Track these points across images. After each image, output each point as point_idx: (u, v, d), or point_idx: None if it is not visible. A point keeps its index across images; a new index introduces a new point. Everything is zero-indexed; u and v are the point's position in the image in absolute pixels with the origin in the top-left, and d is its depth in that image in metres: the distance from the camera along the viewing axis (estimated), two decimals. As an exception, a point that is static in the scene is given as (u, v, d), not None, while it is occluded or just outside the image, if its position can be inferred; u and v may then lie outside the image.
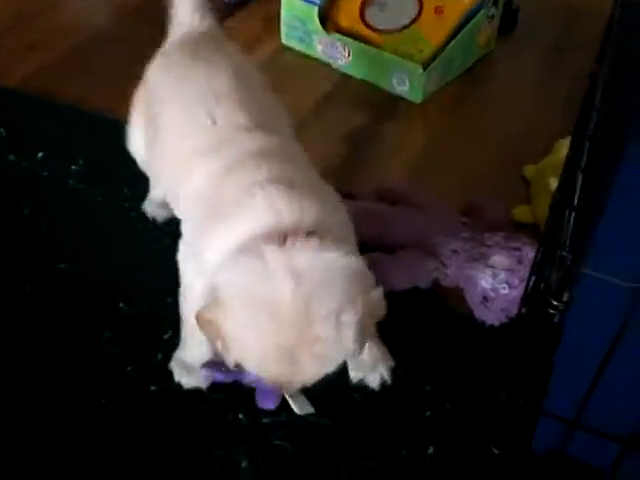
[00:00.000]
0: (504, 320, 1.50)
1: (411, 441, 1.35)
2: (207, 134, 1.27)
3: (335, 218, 1.20)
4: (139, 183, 1.67)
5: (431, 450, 1.34)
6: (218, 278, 1.10)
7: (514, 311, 1.46)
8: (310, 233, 1.10)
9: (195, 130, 1.28)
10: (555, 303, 0.97)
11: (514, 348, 1.25)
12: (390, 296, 1.34)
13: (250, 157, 1.21)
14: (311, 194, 1.17)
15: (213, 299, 1.09)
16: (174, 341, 1.43)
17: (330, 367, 1.09)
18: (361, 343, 1.09)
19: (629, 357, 1.05)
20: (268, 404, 1.35)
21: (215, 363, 1.36)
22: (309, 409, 1.35)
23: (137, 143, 1.53)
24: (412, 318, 1.54)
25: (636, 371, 1.09)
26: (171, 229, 1.58)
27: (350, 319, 1.05)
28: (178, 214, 1.36)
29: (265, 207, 1.13)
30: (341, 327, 1.05)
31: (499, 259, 1.48)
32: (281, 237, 1.08)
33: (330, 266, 1.07)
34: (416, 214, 1.65)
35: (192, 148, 1.27)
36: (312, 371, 1.08)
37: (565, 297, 0.96)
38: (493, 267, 1.49)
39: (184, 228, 1.32)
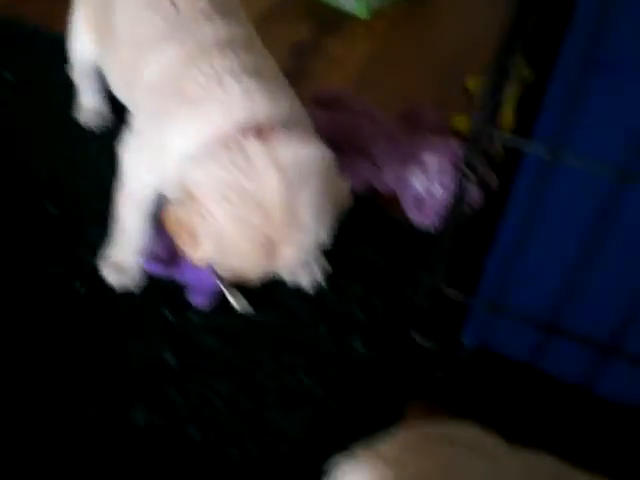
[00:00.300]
0: (438, 225, 1.48)
1: (340, 337, 1.34)
2: (167, 18, 1.21)
3: (301, 111, 1.18)
4: (72, 91, 1.62)
5: (359, 347, 1.33)
6: (193, 173, 1.07)
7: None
8: (283, 127, 1.09)
9: (154, 14, 1.22)
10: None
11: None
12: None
13: (216, 45, 1.16)
14: (280, 87, 1.15)
15: (186, 195, 1.07)
16: (101, 240, 1.39)
17: (305, 257, 1.11)
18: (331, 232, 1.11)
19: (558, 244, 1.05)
20: (201, 301, 1.33)
21: (154, 256, 1.33)
22: (248, 308, 1.33)
23: (83, 44, 1.47)
24: (347, 223, 1.51)
25: (562, 256, 1.09)
26: (103, 136, 1.56)
27: (328, 209, 1.08)
28: (131, 106, 1.31)
29: (240, 98, 1.10)
30: (320, 217, 1.07)
31: (431, 160, 1.46)
32: (257, 131, 1.07)
33: (310, 159, 1.08)
34: (354, 120, 1.62)
35: (151, 33, 1.21)
36: (291, 261, 1.09)
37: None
38: (426, 169, 1.47)
39: (137, 120, 1.26)
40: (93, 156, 1.55)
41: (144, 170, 1.22)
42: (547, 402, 1.21)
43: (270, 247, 1.05)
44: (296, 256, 1.08)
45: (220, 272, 1.15)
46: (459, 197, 1.03)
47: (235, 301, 1.32)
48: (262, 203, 1.03)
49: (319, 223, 1.07)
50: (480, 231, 1.32)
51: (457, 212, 1.05)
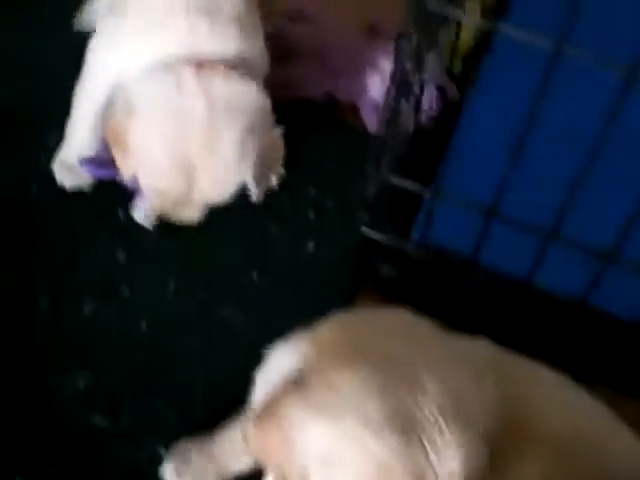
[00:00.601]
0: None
1: (292, 238, 1.35)
2: None
3: (255, 50, 1.20)
4: None
5: (311, 246, 1.34)
6: (134, 90, 1.11)
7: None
8: (227, 65, 1.12)
9: None
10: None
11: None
12: (279, 108, 1.34)
13: None
14: (235, 25, 1.16)
15: (126, 110, 1.11)
16: (57, 145, 1.39)
17: (224, 193, 1.14)
18: (258, 175, 1.15)
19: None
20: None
21: (95, 160, 1.33)
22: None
23: None
24: (305, 131, 1.52)
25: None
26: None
27: (251, 148, 1.10)
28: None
29: (186, 33, 1.13)
30: (242, 154, 1.10)
31: (389, 65, 1.45)
32: (198, 64, 1.11)
33: (241, 98, 1.11)
34: (317, 31, 1.61)
35: None
36: (208, 193, 1.12)
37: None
38: (384, 76, 1.47)
39: (109, 20, 1.27)
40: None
41: (103, 67, 1.23)
42: (491, 294, 1.22)
43: (189, 172, 1.09)
44: (213, 189, 1.12)
45: (144, 190, 1.16)
46: (397, 85, 1.04)
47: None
48: (187, 126, 1.08)
49: (241, 162, 1.11)
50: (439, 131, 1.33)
51: (396, 103, 1.06)
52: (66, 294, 1.25)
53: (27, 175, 1.38)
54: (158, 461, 1.10)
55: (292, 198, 1.40)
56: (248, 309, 1.24)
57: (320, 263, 1.31)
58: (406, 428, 0.73)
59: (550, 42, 0.91)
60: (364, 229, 1.23)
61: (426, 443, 0.73)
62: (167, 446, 1.11)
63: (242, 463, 1.08)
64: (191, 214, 1.16)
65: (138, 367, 1.19)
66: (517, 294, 1.21)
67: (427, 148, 1.33)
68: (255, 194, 1.24)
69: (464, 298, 1.24)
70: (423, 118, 1.46)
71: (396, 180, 1.14)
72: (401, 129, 1.22)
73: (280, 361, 0.87)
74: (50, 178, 1.36)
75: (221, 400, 1.15)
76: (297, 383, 0.79)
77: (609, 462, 0.93)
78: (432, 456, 0.73)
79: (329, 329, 0.87)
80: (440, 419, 0.74)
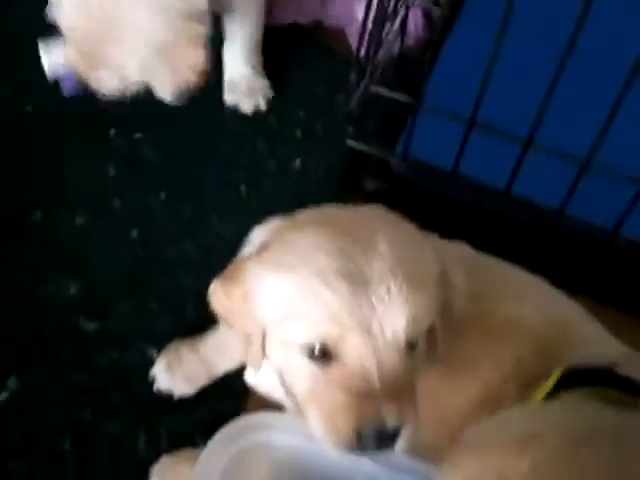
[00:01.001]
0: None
1: (280, 156, 1.38)
2: None
3: None
4: None
5: (298, 163, 1.37)
6: None
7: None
8: None
9: None
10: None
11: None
12: (268, 33, 1.36)
13: None
14: None
15: None
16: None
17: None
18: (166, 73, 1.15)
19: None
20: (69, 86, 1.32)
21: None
22: None
23: None
24: (294, 56, 1.54)
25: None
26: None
27: (161, 60, 1.13)
28: None
29: None
30: (146, 62, 1.13)
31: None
32: None
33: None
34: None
35: None
36: (105, 82, 1.14)
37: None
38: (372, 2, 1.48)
39: None
40: None
41: None
42: (472, 205, 1.25)
43: (94, 55, 1.12)
44: (111, 81, 1.14)
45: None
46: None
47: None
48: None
49: (142, 65, 1.13)
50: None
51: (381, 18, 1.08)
52: (59, 207, 1.28)
53: (20, 92, 1.40)
54: (148, 362, 1.14)
55: (281, 119, 1.43)
56: (236, 220, 1.27)
57: (307, 179, 1.34)
58: (356, 281, 0.76)
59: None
60: (349, 141, 1.25)
61: (374, 298, 0.76)
62: (157, 349, 1.14)
63: (229, 363, 1.12)
64: (109, 83, 1.17)
65: (128, 275, 1.22)
66: (497, 205, 1.24)
67: (413, 68, 1.36)
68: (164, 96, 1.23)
69: (446, 209, 1.27)
70: (410, 40, 1.49)
71: (378, 89, 1.17)
72: (385, 45, 1.24)
73: (257, 238, 0.89)
74: (44, 98, 1.38)
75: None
76: (260, 249, 0.83)
77: (580, 349, 0.97)
78: (379, 310, 0.76)
79: (306, 214, 0.90)
80: (390, 277, 0.77)
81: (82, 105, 1.36)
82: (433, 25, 1.48)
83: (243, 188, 1.33)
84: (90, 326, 1.17)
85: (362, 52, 1.26)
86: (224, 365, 1.12)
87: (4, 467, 1.05)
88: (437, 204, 1.29)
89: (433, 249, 0.86)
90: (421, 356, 0.83)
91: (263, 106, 1.43)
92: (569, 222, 1.22)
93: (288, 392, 0.85)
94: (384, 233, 0.81)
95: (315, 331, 0.77)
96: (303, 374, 0.80)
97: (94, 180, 1.32)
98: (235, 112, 1.42)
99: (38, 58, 1.33)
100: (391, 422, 0.77)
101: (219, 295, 0.85)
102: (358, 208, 0.94)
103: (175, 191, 1.31)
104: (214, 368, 1.12)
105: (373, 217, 0.87)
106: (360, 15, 1.44)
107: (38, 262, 1.23)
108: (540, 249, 1.25)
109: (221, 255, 1.21)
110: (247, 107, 1.42)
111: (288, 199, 1.31)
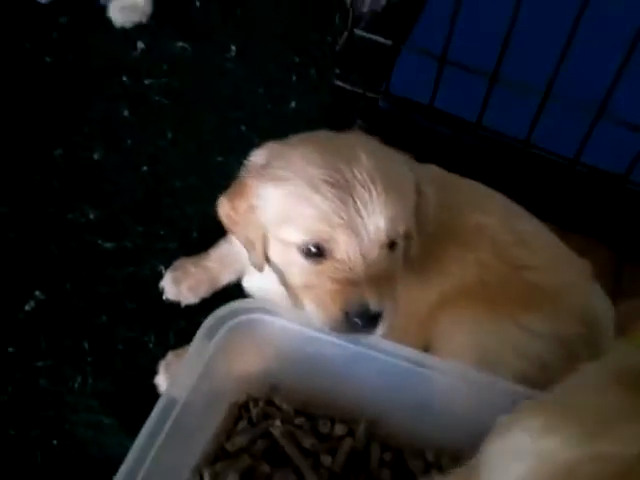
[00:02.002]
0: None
1: (276, 98, 1.51)
2: None
3: None
4: None
5: (293, 105, 1.51)
6: None
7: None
8: None
9: None
10: None
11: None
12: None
13: None
14: None
15: None
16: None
17: None
18: None
19: None
20: None
21: None
22: None
23: None
24: (293, 5, 1.67)
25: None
26: None
27: None
28: None
29: None
30: None
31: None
32: None
33: None
34: None
35: None
36: None
37: None
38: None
39: None
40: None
41: None
42: (448, 137, 1.38)
43: None
44: None
45: None
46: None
47: None
48: None
49: None
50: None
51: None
52: (78, 145, 1.43)
53: (40, 46, 1.55)
54: (158, 277, 1.29)
55: (277, 64, 1.57)
56: (238, 156, 1.41)
57: (300, 118, 1.48)
58: (342, 187, 0.91)
59: None
60: (337, 81, 1.39)
61: (358, 201, 0.90)
62: (166, 265, 1.29)
63: (229, 276, 1.26)
64: None
65: (141, 202, 1.37)
66: (470, 136, 1.36)
67: (399, 14, 1.47)
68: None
69: (427, 141, 1.40)
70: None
71: (362, 33, 1.30)
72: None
73: (254, 159, 1.03)
74: (61, 48, 1.53)
75: (213, 229, 1.32)
76: (260, 167, 0.97)
77: (536, 259, 1.10)
78: (362, 212, 0.90)
79: (297, 137, 1.04)
80: (371, 184, 0.91)
81: (96, 55, 1.51)
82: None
83: (243, 127, 1.47)
84: (108, 245, 1.32)
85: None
86: (225, 277, 1.26)
87: (32, 365, 1.21)
88: (419, 137, 1.42)
89: (408, 165, 1.00)
90: (400, 255, 0.98)
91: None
92: (535, 151, 1.34)
93: (286, 285, 0.99)
94: (364, 148, 0.95)
95: (309, 231, 0.91)
96: (299, 269, 0.95)
97: (109, 121, 1.46)
98: (236, 58, 1.55)
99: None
100: (373, 305, 0.91)
101: (226, 208, 1.00)
102: (341, 133, 1.07)
103: (181, 131, 1.45)
104: (216, 280, 1.26)
105: (354, 138, 1.01)
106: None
107: (61, 192, 1.38)
108: (509, 177, 1.37)
109: (224, 187, 1.36)
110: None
111: (284, 137, 1.44)
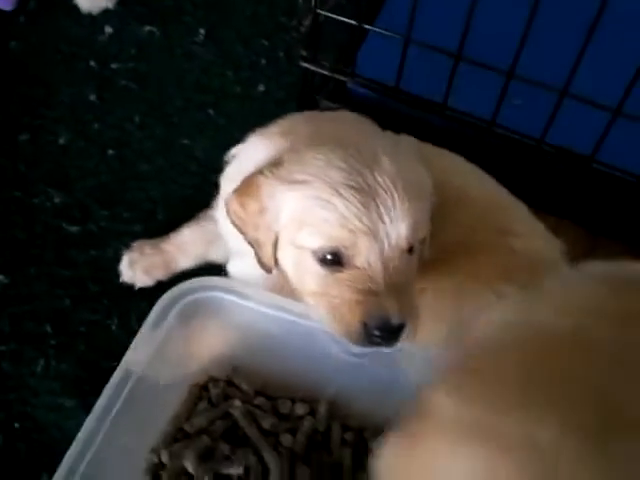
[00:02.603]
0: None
1: (245, 81, 1.51)
2: None
3: None
4: None
5: (262, 88, 1.50)
6: None
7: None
8: None
9: None
10: None
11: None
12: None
13: None
14: None
15: None
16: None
17: None
18: None
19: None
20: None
21: None
22: None
23: None
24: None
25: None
26: None
27: None
28: None
29: None
30: None
31: None
32: None
33: None
34: None
35: None
36: None
37: None
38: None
39: None
40: None
41: None
42: (415, 117, 1.37)
43: None
44: None
45: None
46: None
47: None
48: None
49: None
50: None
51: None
52: (44, 129, 1.42)
53: (5, 31, 1.54)
54: (121, 260, 1.28)
55: (246, 48, 1.56)
56: (205, 139, 1.41)
57: (269, 101, 1.47)
58: (364, 192, 0.87)
59: None
60: (303, 63, 1.38)
61: (380, 206, 0.87)
62: (129, 247, 1.28)
63: (188, 261, 1.25)
64: None
65: (106, 186, 1.36)
66: (438, 117, 1.36)
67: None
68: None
69: (395, 124, 1.39)
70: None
71: (326, 13, 1.29)
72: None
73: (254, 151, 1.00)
74: (27, 32, 1.52)
75: (178, 212, 1.32)
76: (272, 164, 0.93)
77: (519, 226, 1.09)
78: (385, 218, 0.88)
79: (291, 120, 1.03)
80: (393, 190, 0.88)
81: (63, 40, 1.50)
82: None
83: (211, 111, 1.46)
84: (72, 229, 1.31)
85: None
86: (182, 263, 1.25)
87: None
88: (388, 119, 1.41)
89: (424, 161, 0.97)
90: (417, 260, 0.95)
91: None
92: (500, 132, 1.34)
93: (298, 290, 0.95)
94: (384, 149, 0.92)
95: (329, 237, 0.87)
96: (314, 276, 0.90)
97: (76, 105, 1.45)
98: (205, 42, 1.54)
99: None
100: (394, 317, 0.86)
101: (234, 207, 0.94)
102: (334, 113, 1.08)
103: (149, 115, 1.45)
104: (172, 264, 1.25)
105: (359, 124, 1.01)
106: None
107: (27, 176, 1.37)
108: (480, 159, 1.36)
109: (191, 171, 1.35)
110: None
111: (252, 120, 1.43)
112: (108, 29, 1.56)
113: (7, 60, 1.51)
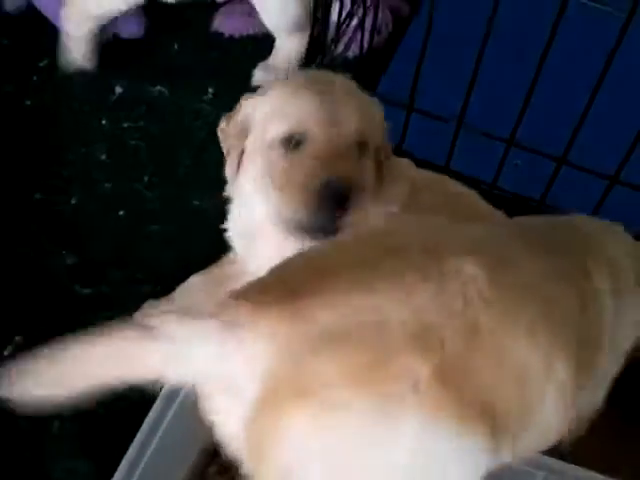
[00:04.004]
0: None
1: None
2: None
3: None
4: None
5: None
6: None
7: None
8: None
9: None
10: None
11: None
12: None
13: None
14: None
15: None
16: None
17: None
18: None
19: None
20: None
21: None
22: None
23: None
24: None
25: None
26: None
27: None
28: None
29: None
30: None
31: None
32: None
33: None
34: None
35: None
36: None
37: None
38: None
39: None
40: None
41: None
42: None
43: None
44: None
45: None
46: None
47: None
48: None
49: None
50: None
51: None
52: (57, 189, 1.46)
53: (22, 89, 1.59)
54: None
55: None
56: (214, 198, 1.44)
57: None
58: (323, 93, 1.04)
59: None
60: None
61: (335, 105, 1.03)
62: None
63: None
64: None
65: (117, 248, 1.40)
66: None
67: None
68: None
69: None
70: (380, 37, 1.66)
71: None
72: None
73: None
74: (42, 93, 1.57)
75: (189, 273, 1.36)
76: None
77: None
78: (338, 114, 1.03)
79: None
80: (347, 94, 1.05)
81: (75, 99, 1.55)
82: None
83: (219, 170, 1.50)
84: (85, 291, 1.35)
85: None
86: None
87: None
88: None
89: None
90: (370, 166, 1.07)
91: None
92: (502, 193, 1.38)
93: (264, 188, 1.08)
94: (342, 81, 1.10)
95: (290, 124, 1.03)
96: (280, 163, 1.05)
97: (88, 164, 1.49)
98: (213, 100, 1.59)
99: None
100: (342, 181, 1.00)
101: (222, 124, 1.13)
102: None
103: (158, 174, 1.49)
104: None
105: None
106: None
107: (40, 237, 1.41)
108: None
109: (199, 230, 1.39)
110: None
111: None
112: (118, 89, 1.60)
113: (22, 118, 1.55)
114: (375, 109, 1.11)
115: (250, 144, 1.09)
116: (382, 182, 1.09)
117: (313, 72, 1.22)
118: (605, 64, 1.15)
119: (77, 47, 1.54)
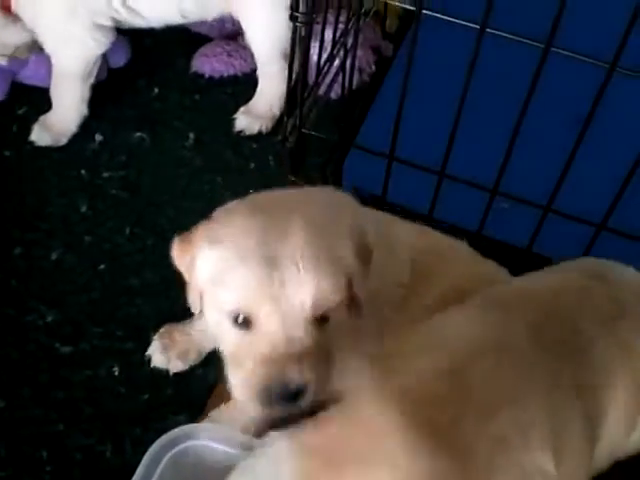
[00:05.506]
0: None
1: (234, 187, 1.53)
2: None
3: None
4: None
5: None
6: None
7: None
8: None
9: None
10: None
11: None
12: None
13: None
14: None
15: None
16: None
17: None
18: None
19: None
20: None
21: None
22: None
23: None
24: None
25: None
26: None
27: None
28: None
29: None
30: None
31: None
32: None
33: None
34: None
35: None
36: None
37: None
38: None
39: None
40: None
41: None
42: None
43: None
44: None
45: None
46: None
47: None
48: None
49: None
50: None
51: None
52: (36, 243, 1.44)
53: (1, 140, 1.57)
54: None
55: (235, 152, 1.58)
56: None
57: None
58: (270, 262, 0.91)
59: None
60: (290, 176, 1.41)
61: (285, 277, 0.91)
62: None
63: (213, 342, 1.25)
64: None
65: (98, 302, 1.38)
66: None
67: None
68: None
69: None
70: (363, 77, 1.64)
71: (309, 131, 1.32)
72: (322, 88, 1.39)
73: None
74: (20, 142, 1.55)
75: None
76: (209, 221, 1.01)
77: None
78: (288, 288, 0.91)
79: (257, 195, 1.09)
80: (300, 261, 0.92)
81: (54, 148, 1.53)
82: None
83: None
84: (65, 349, 1.33)
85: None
86: (209, 344, 1.27)
87: (-9, 475, 1.21)
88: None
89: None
90: (337, 326, 0.97)
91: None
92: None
93: (221, 352, 1.00)
94: (301, 216, 0.96)
95: (236, 301, 0.92)
96: (229, 337, 0.96)
97: (67, 217, 1.47)
98: (194, 146, 1.57)
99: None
100: (294, 382, 0.92)
101: (176, 253, 1.02)
102: (308, 188, 1.16)
103: (139, 225, 1.47)
104: (202, 346, 1.28)
105: (303, 198, 1.05)
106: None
107: (20, 292, 1.39)
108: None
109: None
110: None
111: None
112: (98, 137, 1.58)
113: (1, 170, 1.53)
114: (341, 249, 0.95)
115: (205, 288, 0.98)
116: (361, 310, 0.99)
117: (270, 209, 0.98)
118: (589, 111, 1.13)
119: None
